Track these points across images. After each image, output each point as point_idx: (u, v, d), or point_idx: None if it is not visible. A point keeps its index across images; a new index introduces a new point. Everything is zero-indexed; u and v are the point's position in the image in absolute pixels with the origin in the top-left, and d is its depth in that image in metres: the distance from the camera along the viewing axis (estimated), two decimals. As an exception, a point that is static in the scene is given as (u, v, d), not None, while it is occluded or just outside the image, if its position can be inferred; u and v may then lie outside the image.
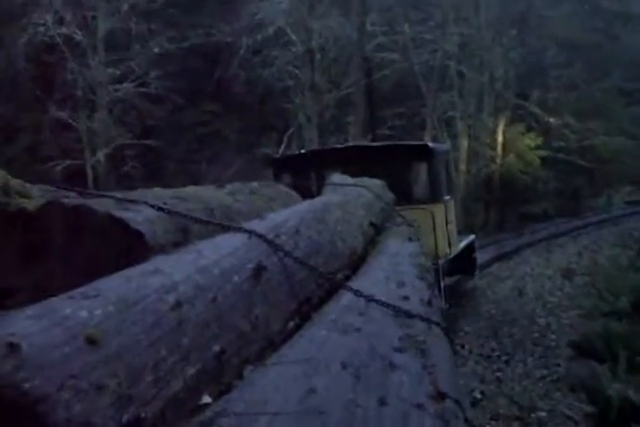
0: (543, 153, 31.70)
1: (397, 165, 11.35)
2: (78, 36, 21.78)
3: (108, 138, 21.97)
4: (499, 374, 9.57)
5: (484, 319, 12.59)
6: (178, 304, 1.78)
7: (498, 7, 32.27)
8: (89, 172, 21.40)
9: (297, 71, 24.18)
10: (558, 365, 9.84)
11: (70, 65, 21.65)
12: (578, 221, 28.92)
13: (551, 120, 33.64)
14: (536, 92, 34.93)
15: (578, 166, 34.25)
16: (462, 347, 10.71)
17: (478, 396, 8.51)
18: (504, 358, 10.27)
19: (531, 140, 31.35)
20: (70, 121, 21.52)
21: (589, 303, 13.04)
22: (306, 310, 2.57)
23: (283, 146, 24.34)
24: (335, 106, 26.47)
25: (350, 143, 14.64)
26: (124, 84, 22.83)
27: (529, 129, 32.30)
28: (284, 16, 24.09)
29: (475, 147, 28.95)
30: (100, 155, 21.48)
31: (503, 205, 29.19)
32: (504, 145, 30.42)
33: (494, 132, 30.64)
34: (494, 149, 30.13)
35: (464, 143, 28.24)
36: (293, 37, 23.59)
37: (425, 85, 28.94)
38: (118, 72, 22.74)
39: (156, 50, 23.52)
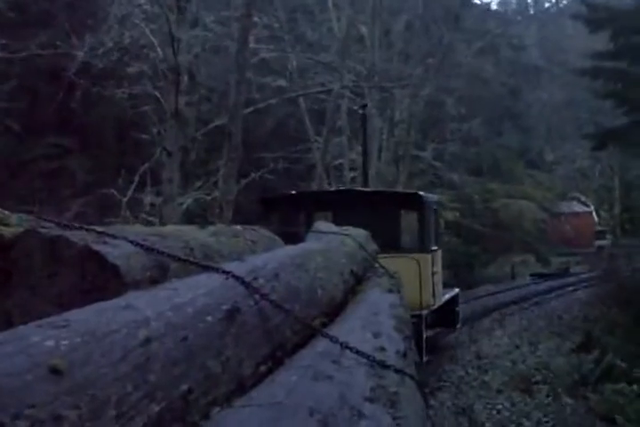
0: (451, 215, 27.92)
1: (387, 212, 11.45)
2: None
3: None
4: None
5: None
6: (147, 340, 1.75)
7: (404, 40, 28.46)
8: None
9: (157, 93, 18.85)
10: None
11: None
12: (489, 297, 24.86)
13: (454, 177, 30.39)
14: (432, 144, 31.46)
15: (474, 231, 30.95)
16: None
17: None
18: None
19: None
20: None
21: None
22: (279, 355, 2.54)
23: (132, 187, 20.02)
24: (205, 149, 22.28)
25: (342, 187, 14.78)
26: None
27: (432, 185, 28.90)
28: (144, 21, 19.47)
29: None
30: None
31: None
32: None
33: (393, 187, 26.64)
34: None
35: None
36: (157, 48, 18.30)
37: (311, 126, 25.27)
38: None
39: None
